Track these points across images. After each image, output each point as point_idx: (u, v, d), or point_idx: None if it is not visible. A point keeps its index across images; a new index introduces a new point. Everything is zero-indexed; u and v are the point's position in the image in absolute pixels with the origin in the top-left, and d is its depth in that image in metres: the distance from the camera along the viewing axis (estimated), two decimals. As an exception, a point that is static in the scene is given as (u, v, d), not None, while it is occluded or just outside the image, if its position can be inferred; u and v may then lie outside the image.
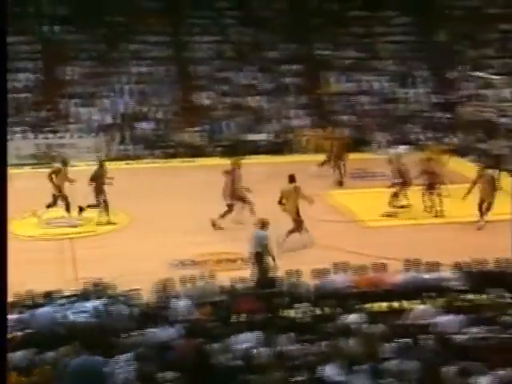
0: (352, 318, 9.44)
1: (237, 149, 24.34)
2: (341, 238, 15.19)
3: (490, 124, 25.34)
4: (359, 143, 25.35)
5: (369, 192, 18.89)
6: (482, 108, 22.13)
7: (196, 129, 25.59)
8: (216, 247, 14.56)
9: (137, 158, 24.32)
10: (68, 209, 16.40)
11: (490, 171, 15.88)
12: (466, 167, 21.77)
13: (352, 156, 21.68)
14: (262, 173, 21.80)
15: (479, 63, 27.95)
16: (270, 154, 24.22)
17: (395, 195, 17.06)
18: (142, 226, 16.17)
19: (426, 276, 11.08)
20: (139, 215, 16.58)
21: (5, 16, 4.28)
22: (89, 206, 16.32)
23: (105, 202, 16.22)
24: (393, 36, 29.69)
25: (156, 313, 9.75)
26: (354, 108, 26.99)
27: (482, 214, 15.59)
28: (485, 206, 15.67)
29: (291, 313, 10.32)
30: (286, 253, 13.81)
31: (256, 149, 24.74)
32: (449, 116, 26.55)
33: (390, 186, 17.21)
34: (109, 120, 25.66)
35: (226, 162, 23.34)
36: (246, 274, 11.93)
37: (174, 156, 23.35)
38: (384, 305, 10.82)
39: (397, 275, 11.26)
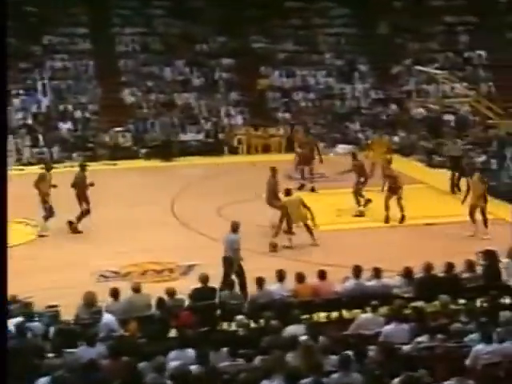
0: (291, 329, 9.42)
1: (165, 150, 24.17)
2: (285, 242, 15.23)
3: (434, 121, 25.93)
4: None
5: (310, 195, 18.97)
6: (426, 104, 22.55)
7: (119, 129, 25.25)
8: (145, 257, 14.36)
9: (54, 161, 23.81)
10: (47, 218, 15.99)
11: (476, 175, 15.91)
12: (411, 167, 22.19)
13: (289, 156, 21.79)
14: (194, 175, 21.75)
15: (422, 57, 28.56)
16: (202, 155, 24.09)
17: (357, 193, 17.48)
18: (61, 236, 15.81)
19: (371, 283, 11.15)
20: (59, 224, 16.18)
21: (5, 15, 4.28)
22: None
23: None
24: (331, 28, 30.06)
25: (77, 331, 9.50)
26: (290, 105, 27.15)
27: (473, 220, 15.53)
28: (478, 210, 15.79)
29: (226, 326, 10.24)
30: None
31: (186, 150, 24.58)
32: (390, 113, 27.00)
33: (357, 184, 17.55)
34: (19, 120, 24.97)
35: (153, 165, 23.36)
36: (176, 285, 11.78)
37: (94, 159, 22.94)
38: (325, 315, 10.87)
39: (340, 283, 11.30)
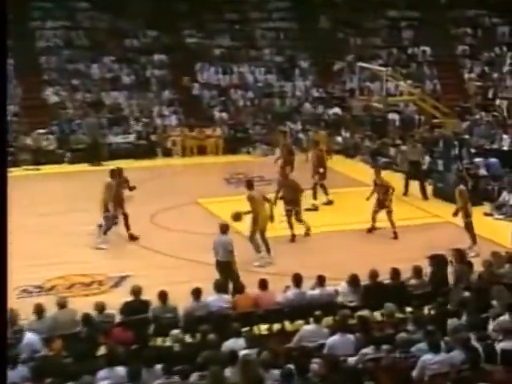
0: (230, 343, 9.41)
1: (92, 153, 23.89)
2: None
3: (378, 121, 26.29)
4: (234, 144, 25.58)
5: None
6: (369, 103, 22.80)
7: (42, 131, 24.85)
8: (71, 268, 14.16)
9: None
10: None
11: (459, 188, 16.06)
12: (356, 169, 22.47)
13: (227, 158, 21.85)
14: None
15: (365, 53, 28.93)
16: (133, 159, 23.87)
17: (316, 186, 17.87)
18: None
19: (314, 292, 11.22)
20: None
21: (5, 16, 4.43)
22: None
23: None
24: (270, 22, 30.21)
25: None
26: (227, 104, 27.17)
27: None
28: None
29: (160, 342, 10.17)
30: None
31: (115, 153, 24.33)
32: (333, 112, 27.25)
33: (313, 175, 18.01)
34: None
35: (80, 169, 23.06)
36: (107, 298, 11.65)
37: (14, 164, 22.50)
38: (266, 327, 10.89)
39: (281, 292, 11.35)
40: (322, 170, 18.41)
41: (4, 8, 4.47)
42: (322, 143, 20.08)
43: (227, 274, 12.48)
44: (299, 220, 15.83)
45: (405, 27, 30.47)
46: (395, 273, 11.55)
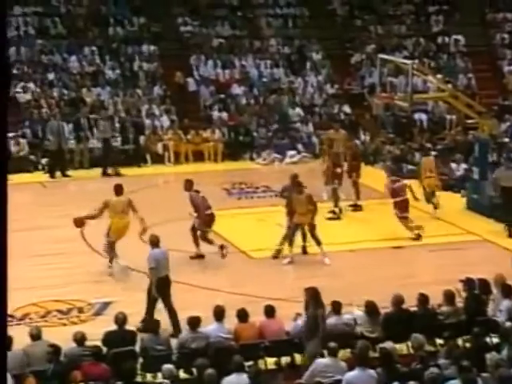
0: (232, 380, 9.42)
1: (63, 160, 23.89)
2: (219, 273, 15.36)
3: (402, 122, 26.34)
4: (236, 148, 25.64)
5: (250, 213, 19.04)
6: (392, 101, 22.84)
7: (11, 134, 24.90)
8: (46, 294, 14.19)
9: None
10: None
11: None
12: (376, 178, 22.46)
13: (227, 166, 21.91)
14: (108, 190, 21.57)
15: (388, 44, 29.02)
16: (117, 166, 23.91)
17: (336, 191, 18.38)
18: None
19: (329, 321, 11.24)
20: None
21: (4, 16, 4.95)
22: None
23: None
24: (276, 8, 30.34)
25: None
26: (227, 102, 27.25)
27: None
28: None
29: (150, 378, 10.19)
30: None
31: (96, 159, 24.38)
32: (349, 111, 27.32)
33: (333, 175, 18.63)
34: None
35: (57, 179, 23.10)
36: (87, 328, 11.67)
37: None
38: (274, 360, 10.90)
39: (290, 321, 11.37)
40: (339, 171, 18.65)
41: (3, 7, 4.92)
42: (340, 144, 20.12)
43: (167, 291, 12.69)
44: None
45: (434, 12, 30.58)
46: (423, 298, 11.57)
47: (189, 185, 16.44)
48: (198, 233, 16.09)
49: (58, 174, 23.55)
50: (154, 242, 13.12)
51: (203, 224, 15.98)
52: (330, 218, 18.17)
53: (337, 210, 18.73)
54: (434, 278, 14.35)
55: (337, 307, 11.38)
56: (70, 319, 13.46)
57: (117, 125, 25.49)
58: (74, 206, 18.89)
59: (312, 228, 15.88)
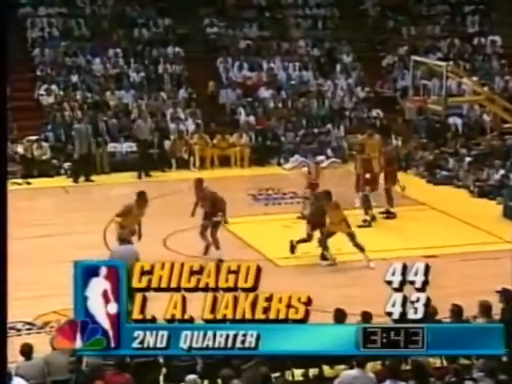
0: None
1: (93, 164, 24.03)
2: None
3: (436, 126, 26.21)
4: (263, 153, 25.63)
5: (276, 220, 19.02)
6: (425, 105, 22.76)
7: (33, 137, 25.05)
8: (66, 301, 14.19)
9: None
10: None
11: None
12: (409, 184, 22.38)
13: (254, 171, 21.92)
14: (131, 196, 21.66)
15: (421, 45, 28.90)
16: (139, 171, 23.97)
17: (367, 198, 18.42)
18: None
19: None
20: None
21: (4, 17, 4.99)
22: None
23: None
24: (306, 9, 30.32)
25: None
26: (254, 106, 27.25)
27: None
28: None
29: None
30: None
31: (121, 163, 24.48)
32: (380, 115, 27.23)
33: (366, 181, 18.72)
34: None
35: (81, 184, 23.19)
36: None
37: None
38: (301, 372, 10.85)
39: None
40: (368, 176, 18.58)
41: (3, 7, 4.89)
42: (373, 149, 20.10)
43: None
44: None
45: (469, 13, 30.43)
46: (457, 310, 11.48)
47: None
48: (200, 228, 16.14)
49: (81, 179, 23.61)
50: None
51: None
52: (360, 226, 18.13)
53: (368, 217, 18.66)
54: (468, 288, 14.24)
55: (366, 318, 11.29)
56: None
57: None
58: (97, 212, 18.99)
59: (351, 237, 16.00)
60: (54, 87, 26.78)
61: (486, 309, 11.53)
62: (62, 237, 17.83)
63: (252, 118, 26.79)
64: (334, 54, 29.31)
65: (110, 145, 25.16)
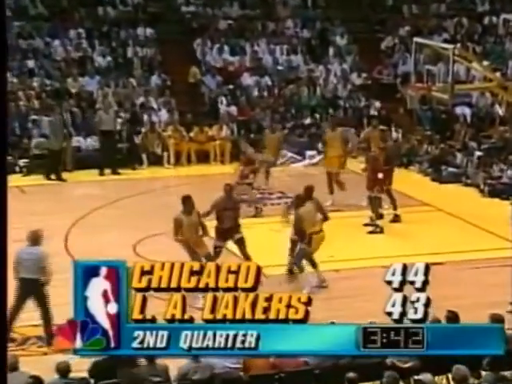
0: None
1: (53, 161, 23.95)
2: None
3: (442, 117, 26.29)
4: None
5: (262, 223, 19.02)
6: (430, 93, 22.82)
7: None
8: (22, 317, 14.20)
9: None
10: None
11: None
12: (411, 182, 22.44)
13: (236, 168, 21.82)
14: (96, 197, 21.65)
15: (424, 25, 28.98)
16: (108, 168, 23.94)
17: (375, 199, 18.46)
18: None
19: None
20: None
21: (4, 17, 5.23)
22: None
23: None
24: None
25: None
26: (236, 94, 27.26)
27: None
28: None
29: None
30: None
31: (84, 160, 24.43)
32: (380, 105, 27.29)
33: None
34: None
35: (36, 182, 23.07)
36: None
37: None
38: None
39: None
40: (380, 176, 18.59)
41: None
42: (377, 143, 20.18)
43: (36, 297, 13.15)
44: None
45: (479, -11, 30.59)
46: (453, 317, 11.55)
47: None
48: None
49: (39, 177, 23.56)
50: (30, 239, 13.31)
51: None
52: (371, 232, 18.12)
53: (379, 222, 18.54)
54: (480, 299, 14.28)
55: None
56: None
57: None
58: (57, 214, 18.97)
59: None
60: (7, 74, 26.69)
61: (498, 322, 11.56)
62: (19, 243, 17.75)
63: (234, 108, 26.81)
64: (326, 36, 29.38)
65: (75, 139, 25.12)
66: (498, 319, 11.58)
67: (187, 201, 15.61)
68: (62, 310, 14.41)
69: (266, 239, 17.93)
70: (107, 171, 23.88)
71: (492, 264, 16.55)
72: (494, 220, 19.10)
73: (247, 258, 15.48)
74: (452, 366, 10.37)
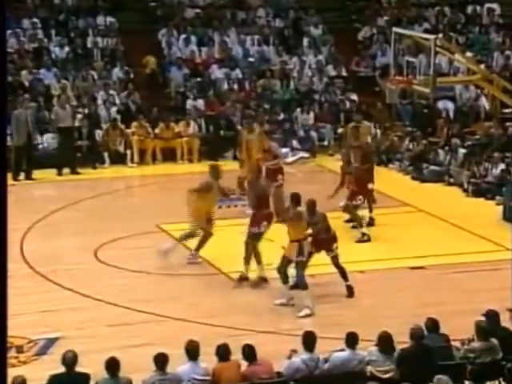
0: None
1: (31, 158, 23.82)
2: (196, 300, 15.38)
3: (423, 111, 26.40)
4: (215, 145, 25.65)
5: (233, 225, 19.05)
6: (410, 86, 22.88)
7: None
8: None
9: None
10: None
11: None
12: (391, 181, 22.52)
13: (204, 167, 21.78)
14: (55, 198, 21.58)
15: (404, 14, 29.11)
16: (67, 167, 23.89)
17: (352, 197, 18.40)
18: None
19: (341, 355, 11.28)
20: None
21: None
22: None
23: None
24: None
25: None
26: (205, 87, 27.26)
27: None
28: None
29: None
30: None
31: (42, 159, 24.32)
32: (356, 99, 27.37)
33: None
34: None
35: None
36: (28, 371, 11.69)
37: None
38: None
39: (284, 359, 11.39)
40: (371, 187, 18.66)
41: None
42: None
43: None
44: None
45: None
46: (431, 324, 11.67)
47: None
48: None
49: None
50: None
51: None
52: (359, 241, 18.09)
53: (366, 231, 18.47)
54: (463, 305, 14.36)
55: (351, 340, 11.34)
56: (8, 360, 13.38)
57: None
58: (9, 219, 18.87)
59: None
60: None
61: (482, 331, 11.64)
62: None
63: (201, 103, 26.79)
64: (300, 26, 29.42)
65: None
66: (483, 326, 11.68)
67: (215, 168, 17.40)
68: (18, 321, 14.51)
69: (235, 243, 17.91)
70: (66, 171, 23.80)
71: (475, 268, 16.65)
72: (478, 221, 19.23)
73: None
74: (433, 376, 10.46)
